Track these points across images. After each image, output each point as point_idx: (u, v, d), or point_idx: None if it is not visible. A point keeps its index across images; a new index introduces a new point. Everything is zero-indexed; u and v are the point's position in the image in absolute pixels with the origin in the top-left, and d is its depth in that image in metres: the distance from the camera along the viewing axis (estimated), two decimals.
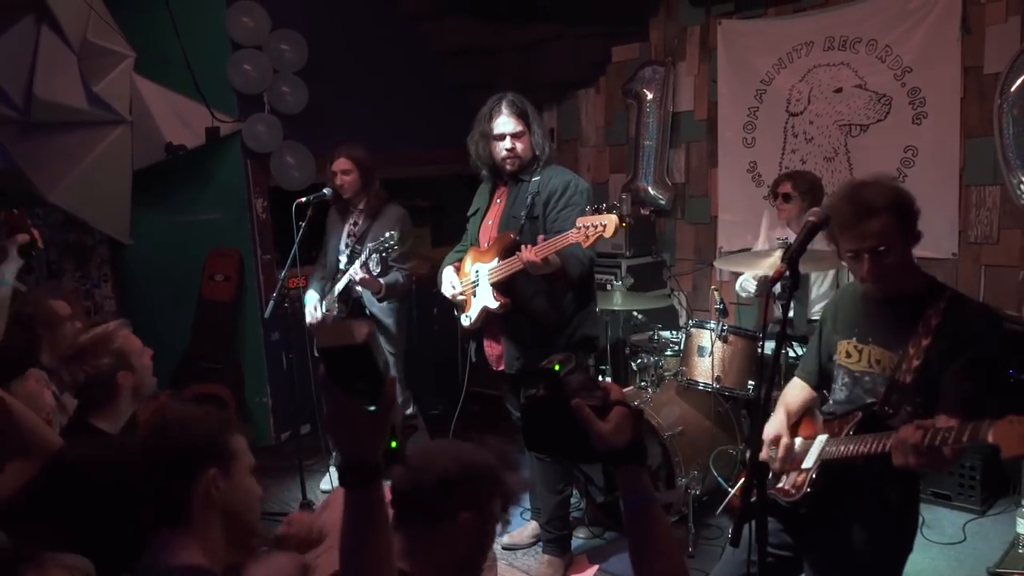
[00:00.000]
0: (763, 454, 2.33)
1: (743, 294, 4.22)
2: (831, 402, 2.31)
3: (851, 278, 2.37)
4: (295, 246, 4.06)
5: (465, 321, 3.38)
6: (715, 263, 4.77)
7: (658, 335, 4.18)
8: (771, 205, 4.35)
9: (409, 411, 4.40)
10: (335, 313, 4.13)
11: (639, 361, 4.08)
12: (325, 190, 4.15)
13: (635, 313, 4.42)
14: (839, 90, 4.60)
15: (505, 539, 3.75)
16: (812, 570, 2.30)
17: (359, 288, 4.04)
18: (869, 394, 2.18)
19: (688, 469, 3.59)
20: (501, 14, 5.50)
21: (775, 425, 2.30)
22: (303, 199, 4.08)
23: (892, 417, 2.08)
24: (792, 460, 2.25)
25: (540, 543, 3.67)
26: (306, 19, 5.02)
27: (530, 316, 3.24)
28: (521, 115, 3.21)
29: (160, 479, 1.55)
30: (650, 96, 5.32)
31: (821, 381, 2.39)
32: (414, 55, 5.67)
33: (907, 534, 2.22)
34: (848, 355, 2.22)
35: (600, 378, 4.26)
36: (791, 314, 3.55)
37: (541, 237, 3.03)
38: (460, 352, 3.60)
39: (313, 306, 4.22)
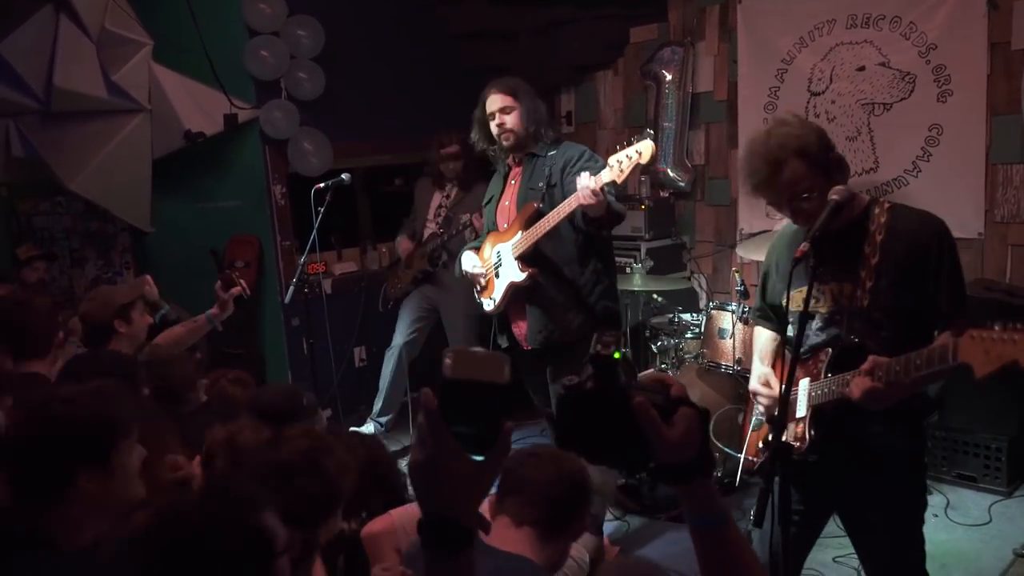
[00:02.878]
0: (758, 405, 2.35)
1: None
2: (807, 347, 2.21)
3: None
4: (314, 232, 4.07)
5: (489, 305, 3.38)
6: (737, 249, 4.74)
7: (678, 317, 4.16)
8: None
9: None
10: (422, 267, 4.65)
11: (659, 344, 4.07)
12: (344, 176, 4.16)
13: (655, 296, 4.40)
14: (862, 68, 4.53)
15: None
16: (841, 517, 2.30)
17: (442, 246, 4.52)
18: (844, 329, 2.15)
19: None
20: None
21: (760, 373, 2.30)
22: (321, 185, 4.10)
23: (860, 344, 2.05)
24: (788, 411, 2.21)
25: None
26: (322, 5, 5.00)
27: (554, 284, 3.23)
28: (508, 91, 3.26)
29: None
30: (669, 77, 5.27)
31: (780, 322, 2.36)
32: (430, 39, 5.64)
33: (916, 473, 2.22)
34: (816, 300, 2.15)
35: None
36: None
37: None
38: (493, 333, 3.58)
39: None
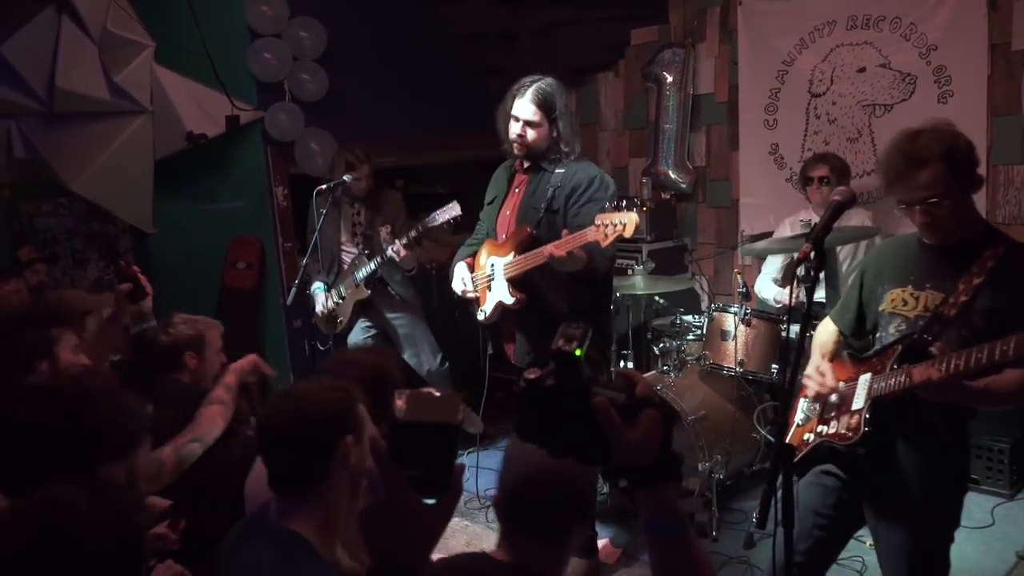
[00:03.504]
0: (800, 411, 2.37)
1: (773, 302, 4.17)
2: (879, 345, 2.27)
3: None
4: (316, 233, 4.08)
5: (480, 316, 3.32)
6: (740, 249, 4.74)
7: (680, 319, 4.16)
8: (799, 190, 4.30)
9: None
10: (360, 296, 4.28)
11: (661, 345, 4.07)
12: (346, 177, 4.16)
13: (656, 298, 4.40)
14: (862, 70, 4.54)
15: None
16: (872, 513, 2.30)
17: (376, 267, 4.18)
18: None
19: (711, 454, 3.58)
20: None
21: (816, 363, 2.32)
22: (323, 186, 4.11)
23: (932, 344, 2.06)
24: (840, 404, 2.24)
25: None
26: (324, 6, 5.01)
27: (544, 310, 3.14)
28: (542, 104, 3.06)
29: (299, 448, 1.63)
30: (670, 79, 5.28)
31: (856, 329, 2.38)
32: (433, 40, 5.65)
33: (960, 473, 2.23)
34: (904, 303, 2.20)
35: (621, 363, 4.33)
36: (821, 296, 3.51)
37: (566, 232, 2.91)
38: (482, 339, 3.59)
39: (324, 297, 4.36)
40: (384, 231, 4.11)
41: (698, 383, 3.88)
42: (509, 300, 3.14)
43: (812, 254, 1.80)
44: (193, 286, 5.19)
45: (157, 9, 4.77)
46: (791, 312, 2.16)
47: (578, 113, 5.96)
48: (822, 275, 1.98)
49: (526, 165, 3.24)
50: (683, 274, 5.16)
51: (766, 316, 3.72)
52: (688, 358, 4.02)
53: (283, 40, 4.88)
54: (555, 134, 3.10)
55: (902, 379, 2.05)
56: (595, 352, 1.02)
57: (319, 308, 4.38)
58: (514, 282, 3.13)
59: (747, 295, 3.76)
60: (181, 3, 4.62)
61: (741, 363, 3.66)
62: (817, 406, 2.33)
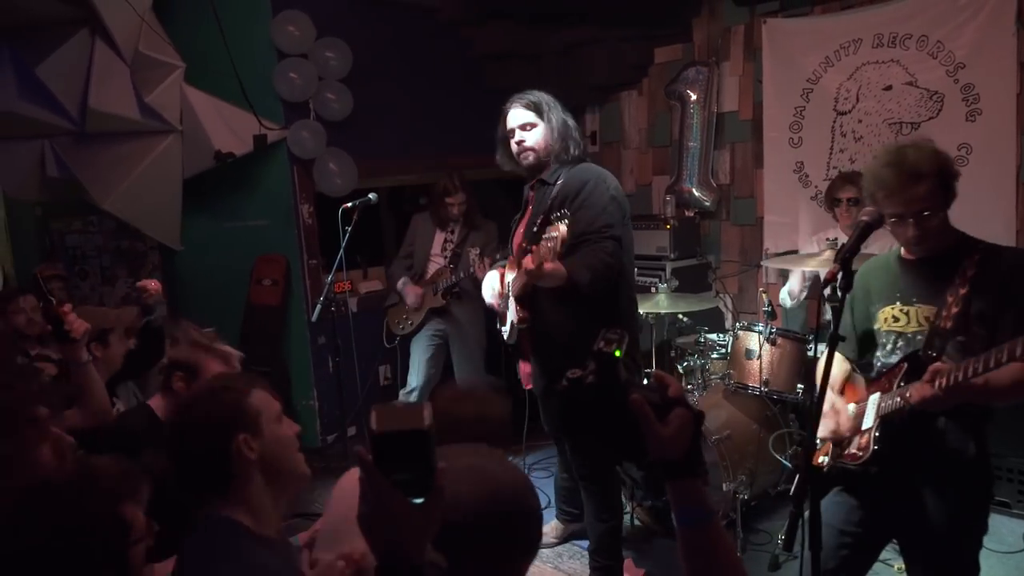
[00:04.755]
0: (821, 435, 2.35)
1: (786, 303, 4.17)
2: (880, 366, 2.31)
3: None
4: (341, 251, 4.11)
5: (504, 334, 3.32)
6: (762, 263, 4.71)
7: (704, 337, 4.13)
8: (824, 209, 4.27)
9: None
10: (435, 304, 4.66)
11: (685, 364, 4.04)
12: (371, 195, 4.20)
13: (680, 316, 4.38)
14: (889, 88, 4.51)
15: None
16: (896, 533, 2.31)
17: (457, 281, 4.55)
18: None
19: (736, 474, 3.55)
20: (542, 18, 5.49)
21: (828, 401, 2.32)
22: (349, 204, 4.14)
23: (936, 360, 2.10)
24: (852, 427, 2.26)
25: (572, 543, 3.67)
26: (350, 27, 5.07)
27: (554, 331, 3.05)
28: (531, 106, 3.07)
29: (197, 457, 1.65)
30: (694, 97, 5.28)
31: (859, 351, 2.41)
32: (456, 60, 5.70)
33: (983, 483, 2.23)
34: (896, 319, 2.25)
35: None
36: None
37: (534, 247, 2.81)
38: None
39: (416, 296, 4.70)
40: (473, 252, 4.35)
41: (722, 402, 3.85)
42: (515, 317, 3.14)
43: (840, 274, 1.80)
44: (219, 303, 5.25)
45: (187, 31, 4.85)
46: (817, 332, 2.16)
47: (601, 131, 6.00)
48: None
49: (532, 184, 3.21)
50: (707, 292, 5.14)
51: (792, 335, 3.69)
52: (712, 377, 4.00)
53: (309, 60, 4.95)
54: (556, 132, 3.05)
55: (902, 399, 2.08)
56: (628, 359, 1.12)
57: (411, 300, 4.70)
58: (520, 300, 3.12)
59: (772, 314, 3.73)
60: (211, 24, 4.69)
61: (766, 382, 3.63)
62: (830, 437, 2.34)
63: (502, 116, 3.18)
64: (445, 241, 4.77)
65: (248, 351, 5.15)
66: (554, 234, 2.65)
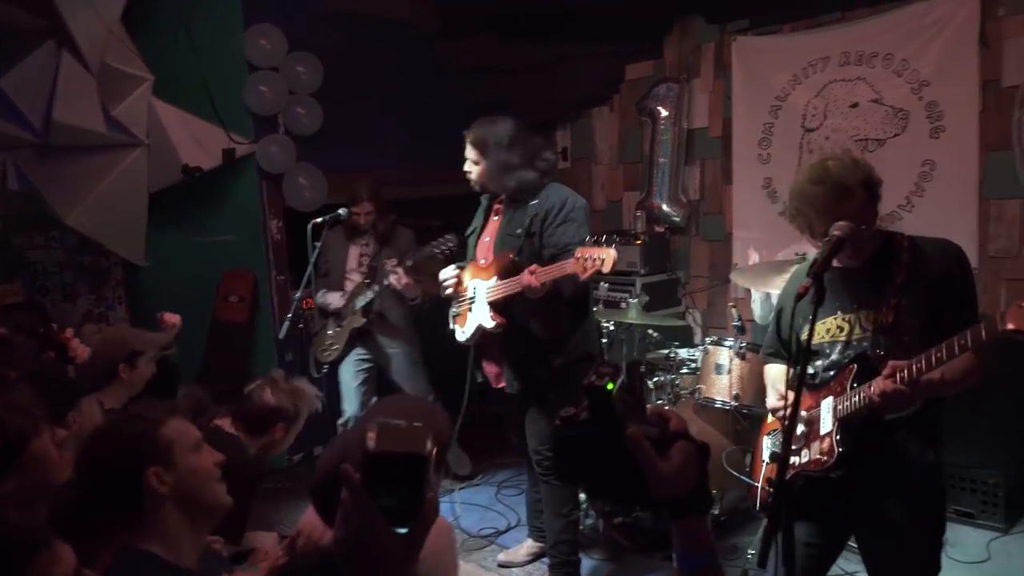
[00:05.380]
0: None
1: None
2: (821, 375, 2.30)
3: None
4: (310, 266, 4.08)
5: (460, 336, 3.39)
6: (731, 276, 4.74)
7: (675, 353, 4.13)
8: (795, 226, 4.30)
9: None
10: (356, 324, 4.31)
11: (656, 379, 4.04)
12: (341, 211, 4.18)
13: (650, 331, 4.38)
14: (855, 105, 4.57)
15: (501, 556, 3.77)
16: (855, 535, 2.32)
17: (375, 295, 4.21)
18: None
19: None
20: (516, 34, 5.51)
21: (775, 392, 2.35)
22: (319, 220, 4.11)
23: (885, 358, 2.10)
24: (807, 433, 2.25)
25: (542, 561, 3.64)
26: (322, 41, 5.04)
27: (526, 335, 3.21)
28: (476, 144, 3.26)
29: (105, 490, 1.60)
30: (664, 113, 5.31)
31: (791, 354, 2.41)
32: (429, 75, 5.69)
33: (939, 487, 2.25)
34: (840, 329, 2.24)
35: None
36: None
37: (535, 266, 2.99)
38: (470, 373, 3.57)
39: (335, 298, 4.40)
40: (389, 264, 4.14)
41: (692, 417, 3.85)
42: (490, 324, 3.20)
43: (813, 288, 1.80)
44: (185, 319, 5.13)
45: (157, 43, 4.80)
46: (802, 351, 2.15)
47: (572, 147, 6.01)
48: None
49: (501, 198, 3.35)
50: (676, 307, 5.15)
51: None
52: (683, 392, 3.99)
53: (280, 74, 4.91)
54: (493, 173, 3.24)
55: (862, 397, 2.07)
56: (629, 396, 1.05)
57: (334, 304, 4.38)
58: (495, 306, 3.19)
59: (742, 328, 3.75)
60: (180, 36, 4.66)
61: (736, 397, 3.63)
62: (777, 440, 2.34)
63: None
64: (361, 255, 4.47)
65: (213, 369, 5.12)
66: (566, 264, 2.85)
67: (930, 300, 2.08)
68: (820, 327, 2.25)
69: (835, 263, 2.24)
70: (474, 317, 3.28)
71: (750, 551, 3.43)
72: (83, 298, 5.13)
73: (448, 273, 3.43)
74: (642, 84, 5.53)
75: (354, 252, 4.45)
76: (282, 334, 4.10)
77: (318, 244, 4.17)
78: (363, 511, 0.87)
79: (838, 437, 2.13)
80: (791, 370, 2.38)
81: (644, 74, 5.57)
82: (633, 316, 4.12)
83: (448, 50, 5.77)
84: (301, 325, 4.07)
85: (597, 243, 2.89)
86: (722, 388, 3.68)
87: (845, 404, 2.14)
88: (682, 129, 5.30)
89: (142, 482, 1.58)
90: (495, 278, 3.19)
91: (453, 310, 3.44)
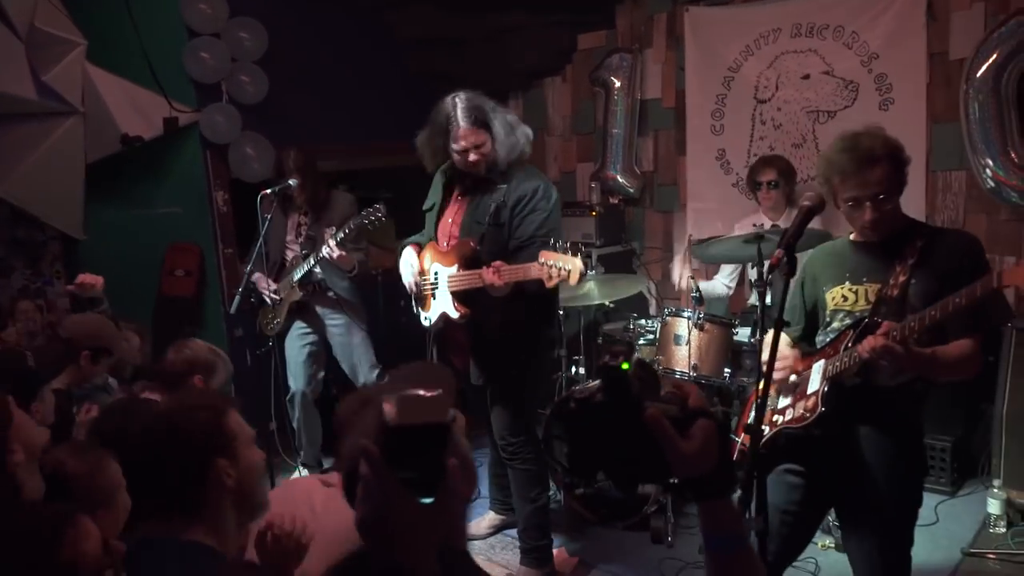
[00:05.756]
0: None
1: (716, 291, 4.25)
2: (827, 336, 2.35)
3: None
4: (260, 239, 3.96)
5: (425, 321, 3.31)
6: (690, 253, 4.77)
7: (633, 324, 4.14)
8: (748, 196, 4.35)
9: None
10: (294, 297, 4.22)
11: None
12: (291, 180, 4.06)
13: (606, 302, 4.38)
14: (807, 76, 4.61)
15: None
16: (835, 503, 2.38)
17: (319, 269, 4.11)
18: None
19: None
20: (466, 3, 5.41)
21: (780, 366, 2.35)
22: (267, 191, 3.99)
23: (881, 325, 2.15)
24: (795, 392, 2.30)
25: (504, 533, 3.67)
26: (265, 7, 4.87)
27: (490, 325, 3.13)
28: (479, 123, 3.01)
29: (168, 475, 1.55)
30: (618, 84, 5.28)
31: (804, 333, 2.47)
32: (377, 44, 5.55)
33: (920, 457, 2.33)
34: (844, 298, 2.29)
35: (572, 369, 4.31)
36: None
37: (499, 264, 2.87)
38: (429, 350, 3.52)
39: (266, 284, 4.25)
40: (328, 233, 4.00)
41: None
42: (454, 314, 3.12)
43: (784, 259, 1.80)
44: (128, 294, 4.95)
45: (89, 5, 4.56)
46: (763, 315, 2.17)
47: (524, 118, 5.94)
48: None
49: (464, 178, 3.18)
50: (632, 277, 5.16)
51: (719, 320, 3.74)
52: None
53: (222, 40, 4.73)
54: (503, 143, 3.03)
55: (853, 357, 2.11)
56: (644, 372, 1.00)
57: (265, 295, 4.25)
58: (458, 295, 3.10)
59: (700, 299, 3.77)
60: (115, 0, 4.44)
61: (695, 367, 3.66)
62: (772, 398, 2.37)
63: (445, 121, 3.05)
64: (299, 225, 4.32)
65: (161, 345, 4.94)
66: (530, 267, 2.74)
67: (941, 290, 2.08)
68: (828, 296, 2.32)
69: (852, 236, 2.33)
70: (438, 304, 3.19)
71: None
72: (18, 273, 4.88)
73: (409, 261, 3.29)
74: (595, 54, 5.49)
75: (292, 222, 4.34)
76: (233, 309, 3.98)
77: (268, 216, 4.04)
78: (388, 488, 0.85)
79: (824, 392, 2.17)
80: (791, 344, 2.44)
81: (596, 44, 5.53)
82: (592, 288, 4.11)
83: (396, 19, 5.63)
84: (253, 299, 3.95)
85: (567, 250, 2.75)
86: (681, 359, 3.71)
87: (835, 364, 2.18)
88: (635, 100, 5.29)
89: (208, 472, 1.54)
90: (456, 267, 3.08)
91: (415, 291, 3.33)
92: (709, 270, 4.89)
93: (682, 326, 3.72)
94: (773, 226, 3.98)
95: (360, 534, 0.87)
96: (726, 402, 4.05)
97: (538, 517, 3.34)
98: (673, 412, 0.98)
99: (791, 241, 1.87)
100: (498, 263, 2.88)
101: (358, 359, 4.36)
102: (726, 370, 3.69)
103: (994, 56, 3.84)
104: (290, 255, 4.30)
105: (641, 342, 4.10)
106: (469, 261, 3.06)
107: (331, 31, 5.29)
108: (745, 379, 3.81)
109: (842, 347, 2.20)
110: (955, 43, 4.11)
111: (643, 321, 4.20)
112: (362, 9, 5.44)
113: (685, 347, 3.69)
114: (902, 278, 2.16)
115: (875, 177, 2.12)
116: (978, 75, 3.90)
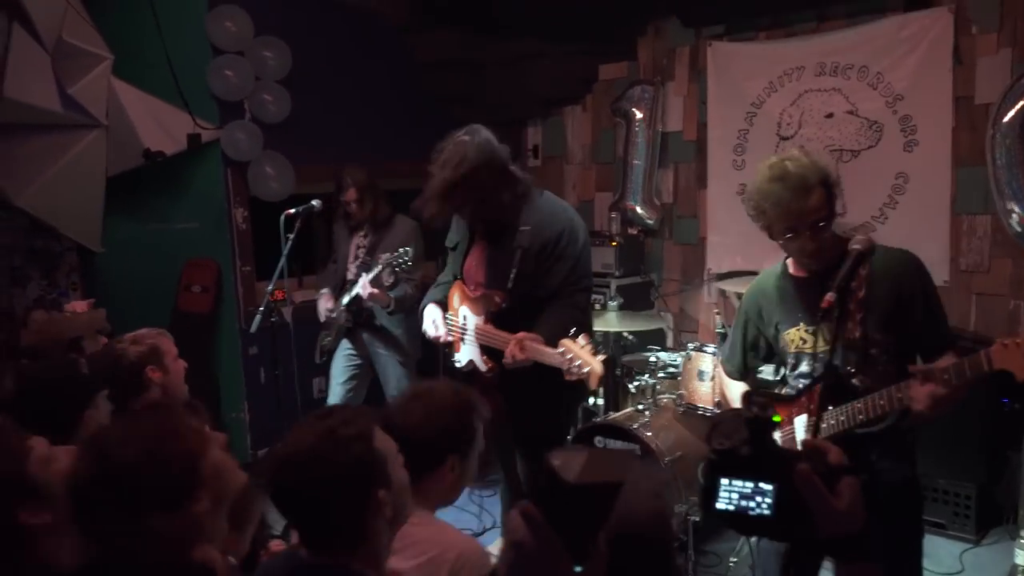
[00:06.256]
0: None
1: None
2: (793, 385, 2.34)
3: None
4: (283, 258, 3.94)
5: (456, 363, 3.17)
6: (718, 284, 4.76)
7: (656, 356, 4.11)
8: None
9: None
10: (340, 322, 4.29)
11: (636, 383, 4.02)
12: (314, 202, 4.05)
13: (626, 334, 4.37)
14: (830, 115, 4.63)
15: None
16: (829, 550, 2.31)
17: (351, 300, 4.11)
18: None
19: (687, 495, 3.53)
20: (487, 28, 5.44)
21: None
22: (292, 211, 3.98)
23: (854, 375, 2.13)
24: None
25: None
26: (290, 26, 4.89)
27: (518, 374, 2.87)
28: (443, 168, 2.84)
29: (332, 517, 1.49)
30: (639, 115, 5.29)
31: (743, 371, 2.50)
32: (398, 67, 5.58)
33: (916, 502, 2.30)
34: (804, 340, 2.27)
35: (591, 400, 4.27)
36: None
37: (523, 335, 2.71)
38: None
39: (327, 308, 4.35)
40: (382, 258, 3.92)
41: (672, 423, 3.84)
42: (483, 367, 3.01)
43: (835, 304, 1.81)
44: (144, 309, 4.92)
45: (117, 20, 4.57)
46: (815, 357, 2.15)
47: (544, 145, 5.96)
48: None
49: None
50: (649, 310, 5.16)
51: None
52: (661, 396, 3.98)
53: (246, 58, 4.74)
54: (489, 202, 2.86)
55: (898, 400, 2.03)
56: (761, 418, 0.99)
57: (322, 316, 4.38)
58: (485, 350, 2.99)
59: (725, 336, 3.74)
60: (142, 15, 4.45)
61: (718, 404, 3.63)
62: None
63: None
64: (357, 247, 4.34)
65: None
66: (553, 354, 2.59)
67: (896, 313, 2.10)
68: (786, 338, 2.28)
69: (791, 271, 2.31)
70: (467, 351, 3.09)
71: (732, 559, 3.45)
72: (34, 283, 4.86)
73: (432, 316, 3.14)
74: (616, 85, 5.51)
75: (353, 244, 4.37)
76: (254, 327, 3.94)
77: (291, 236, 4.01)
78: (547, 549, 0.80)
79: None
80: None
81: (618, 75, 5.55)
82: (612, 319, 4.10)
83: (417, 42, 5.66)
84: (274, 318, 3.92)
85: (590, 340, 2.60)
86: (704, 395, 3.69)
87: (832, 422, 2.12)
88: (656, 132, 5.30)
89: (369, 505, 1.48)
90: (482, 318, 2.97)
91: (442, 337, 3.15)
92: (728, 306, 4.88)
93: (706, 362, 3.70)
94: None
95: None
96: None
97: None
98: (820, 469, 0.96)
99: (843, 285, 1.87)
100: (522, 335, 2.72)
101: (392, 392, 4.30)
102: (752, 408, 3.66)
103: (1021, 103, 3.86)
104: (350, 275, 4.29)
105: (661, 375, 4.07)
106: (495, 316, 2.94)
107: (353, 52, 5.31)
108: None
109: (818, 402, 2.13)
110: (981, 88, 4.13)
111: (664, 355, 4.17)
112: (384, 31, 5.48)
113: (709, 383, 3.67)
114: (859, 315, 2.13)
115: (812, 205, 2.08)
116: (1005, 120, 3.92)
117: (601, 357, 2.54)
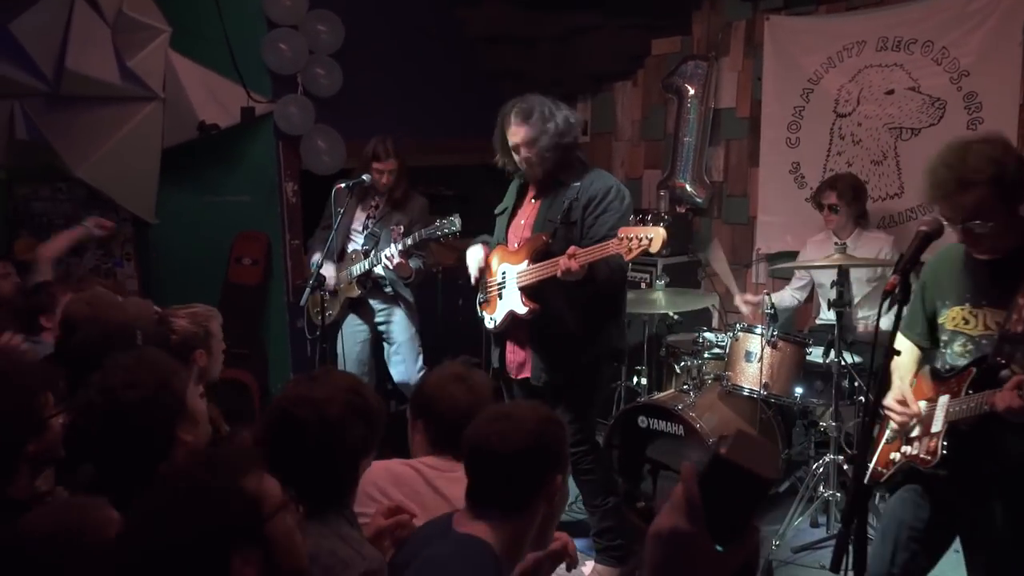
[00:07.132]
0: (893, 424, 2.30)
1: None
2: (948, 365, 2.27)
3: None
4: (333, 232, 3.98)
5: (489, 324, 3.24)
6: (755, 267, 4.68)
7: (702, 337, 4.06)
8: (820, 213, 4.26)
9: None
10: (351, 293, 4.25)
11: (683, 364, 3.98)
12: (365, 176, 4.07)
13: (671, 313, 4.32)
14: (891, 92, 4.48)
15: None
16: (961, 535, 2.30)
17: (383, 271, 4.09)
18: None
19: None
20: (539, 2, 5.38)
21: (898, 390, 2.28)
22: (343, 184, 4.00)
23: (1006, 367, 2.06)
24: (922, 426, 2.22)
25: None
26: (343, 0, 4.90)
27: (559, 324, 3.07)
28: (525, 118, 3.00)
29: (511, 477, 1.64)
30: (692, 91, 5.20)
31: (929, 338, 2.36)
32: (449, 41, 5.55)
33: None
34: (965, 321, 2.20)
35: (634, 379, 4.22)
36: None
37: (573, 248, 2.84)
38: (485, 351, 3.47)
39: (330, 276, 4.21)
40: (396, 231, 3.97)
41: (717, 403, 3.79)
42: (522, 310, 3.07)
43: (899, 286, 1.75)
44: (195, 280, 5.04)
45: None
46: (876, 340, 2.09)
47: (592, 121, 5.90)
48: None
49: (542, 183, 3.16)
50: (696, 289, 5.09)
51: (793, 339, 3.65)
52: (707, 376, 3.94)
53: (300, 32, 4.77)
54: (551, 147, 2.99)
55: (987, 402, 2.01)
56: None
57: (330, 281, 4.19)
58: (527, 291, 3.05)
59: (775, 317, 3.68)
60: None
61: (766, 386, 3.58)
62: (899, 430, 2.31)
63: (499, 124, 3.11)
64: (367, 218, 4.30)
65: (226, 332, 5.00)
66: (608, 243, 2.75)
67: None
68: (947, 315, 2.23)
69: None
70: (504, 303, 3.15)
71: (775, 541, 3.41)
72: (90, 253, 5.00)
73: (476, 255, 3.28)
74: (668, 60, 5.41)
75: (361, 213, 4.32)
76: (303, 300, 3.99)
77: (341, 210, 4.04)
78: (694, 513, 0.80)
79: (944, 442, 2.10)
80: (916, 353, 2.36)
81: (670, 50, 5.45)
82: (660, 299, 4.05)
83: (468, 16, 5.63)
84: (323, 292, 3.96)
85: (642, 221, 2.75)
86: (751, 376, 3.63)
87: (957, 408, 2.10)
88: (708, 108, 5.20)
89: (546, 486, 1.69)
90: (527, 262, 3.04)
91: (480, 296, 3.30)
92: (776, 285, 4.79)
93: (754, 343, 3.64)
94: (842, 244, 3.81)
95: (652, 543, 0.83)
96: (788, 422, 3.97)
97: (610, 519, 3.30)
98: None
99: (907, 267, 1.80)
100: (572, 248, 2.83)
101: (407, 355, 4.35)
102: (797, 389, 3.61)
103: None
104: (351, 247, 4.27)
105: (707, 356, 4.02)
106: (540, 255, 3.01)
107: (405, 26, 5.29)
108: (815, 400, 3.73)
109: (964, 388, 2.11)
110: None
111: (710, 335, 4.12)
112: (435, 5, 5.45)
113: (756, 364, 3.61)
114: None
115: (965, 203, 2.00)
116: None
117: (661, 227, 2.65)
